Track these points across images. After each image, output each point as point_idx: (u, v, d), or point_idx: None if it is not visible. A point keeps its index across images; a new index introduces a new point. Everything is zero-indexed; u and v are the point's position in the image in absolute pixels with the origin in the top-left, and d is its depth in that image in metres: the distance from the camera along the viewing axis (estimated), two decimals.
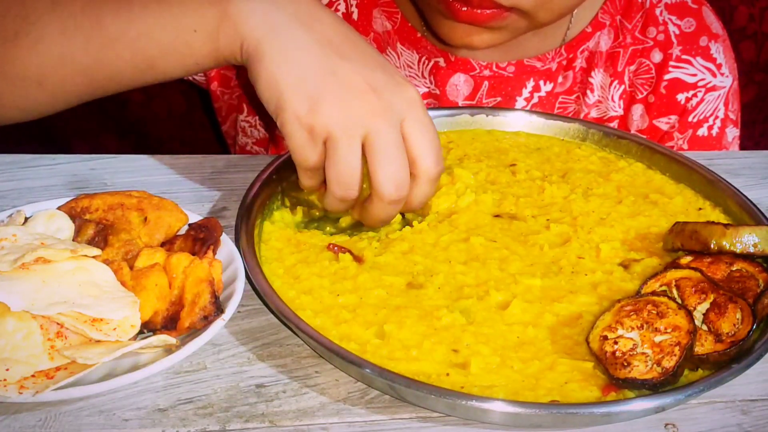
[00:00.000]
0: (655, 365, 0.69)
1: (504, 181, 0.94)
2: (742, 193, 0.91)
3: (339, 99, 0.77)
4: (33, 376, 0.65)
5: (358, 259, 0.81)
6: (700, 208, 0.92)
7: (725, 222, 0.87)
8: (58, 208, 0.79)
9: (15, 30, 0.85)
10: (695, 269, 0.77)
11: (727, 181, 0.93)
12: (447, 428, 0.68)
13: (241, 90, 1.23)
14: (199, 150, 0.98)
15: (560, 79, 1.18)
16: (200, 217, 0.81)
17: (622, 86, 1.20)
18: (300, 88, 0.78)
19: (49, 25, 0.85)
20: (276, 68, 0.78)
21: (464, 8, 0.99)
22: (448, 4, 1.00)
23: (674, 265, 0.79)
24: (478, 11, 0.99)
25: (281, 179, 0.88)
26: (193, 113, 1.43)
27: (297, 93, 0.78)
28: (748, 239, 0.79)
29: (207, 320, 0.70)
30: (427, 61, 1.17)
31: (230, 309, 0.72)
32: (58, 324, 0.67)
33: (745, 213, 0.89)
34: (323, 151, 0.79)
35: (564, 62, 1.18)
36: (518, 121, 1.05)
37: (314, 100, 0.77)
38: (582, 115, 1.19)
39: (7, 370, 0.64)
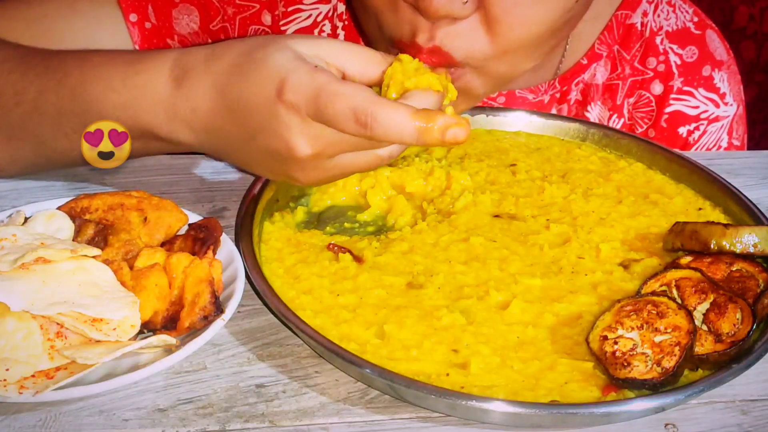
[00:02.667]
0: (655, 365, 0.69)
1: (504, 181, 0.94)
2: (742, 193, 0.91)
3: (289, 176, 0.78)
4: (33, 376, 0.65)
5: (358, 259, 0.81)
6: (700, 208, 0.92)
7: (725, 222, 0.87)
8: (58, 208, 0.79)
9: None
10: (695, 269, 0.77)
11: (727, 181, 0.93)
12: (447, 428, 0.68)
13: None
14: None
15: (553, 112, 1.15)
16: (200, 217, 0.81)
17: (621, 119, 1.17)
18: (275, 174, 0.81)
19: None
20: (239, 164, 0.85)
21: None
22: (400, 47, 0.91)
23: (674, 265, 0.79)
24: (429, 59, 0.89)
25: None
26: None
27: (279, 173, 0.80)
28: (748, 239, 0.79)
29: (207, 320, 0.70)
30: None
31: (230, 309, 0.72)
32: (58, 324, 0.67)
33: (745, 213, 0.89)
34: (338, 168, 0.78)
35: (557, 95, 1.15)
36: (518, 121, 1.05)
37: (282, 174, 0.79)
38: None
39: (7, 370, 0.64)
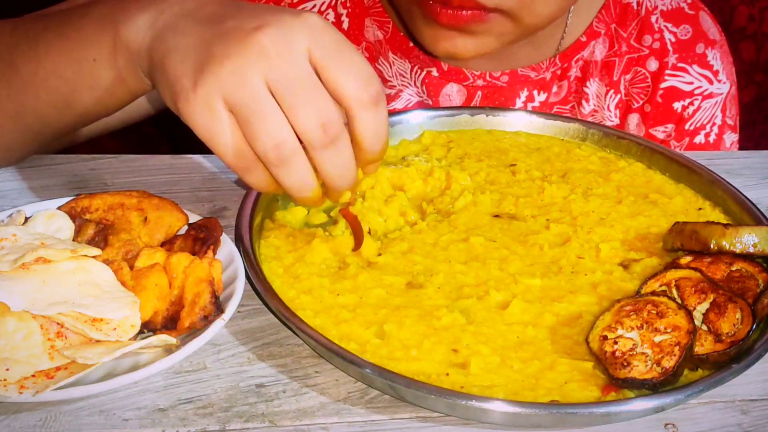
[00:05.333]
0: (654, 365, 0.69)
1: (504, 181, 0.94)
2: (741, 193, 0.91)
3: (223, 56, 0.67)
4: (33, 375, 0.65)
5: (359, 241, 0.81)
6: (700, 208, 0.92)
7: (725, 222, 0.87)
8: (59, 208, 0.79)
9: None
10: (695, 269, 0.77)
11: (726, 181, 0.93)
12: (447, 428, 0.68)
13: None
14: (199, 151, 0.98)
15: (554, 89, 1.18)
16: (200, 217, 0.81)
17: (618, 95, 1.19)
18: (185, 66, 0.69)
19: None
20: (164, 62, 0.71)
21: (446, 10, 0.97)
22: (428, 7, 0.98)
23: (674, 265, 0.79)
24: (461, 12, 0.97)
25: None
26: None
27: (183, 72, 0.69)
28: (747, 239, 0.79)
29: (207, 320, 0.70)
30: (419, 71, 1.16)
31: (230, 309, 0.72)
32: (58, 324, 0.67)
33: (745, 213, 0.89)
34: (238, 128, 0.69)
35: (558, 72, 1.17)
36: (518, 121, 1.05)
37: (199, 69, 0.68)
38: None
39: (7, 370, 0.64)
